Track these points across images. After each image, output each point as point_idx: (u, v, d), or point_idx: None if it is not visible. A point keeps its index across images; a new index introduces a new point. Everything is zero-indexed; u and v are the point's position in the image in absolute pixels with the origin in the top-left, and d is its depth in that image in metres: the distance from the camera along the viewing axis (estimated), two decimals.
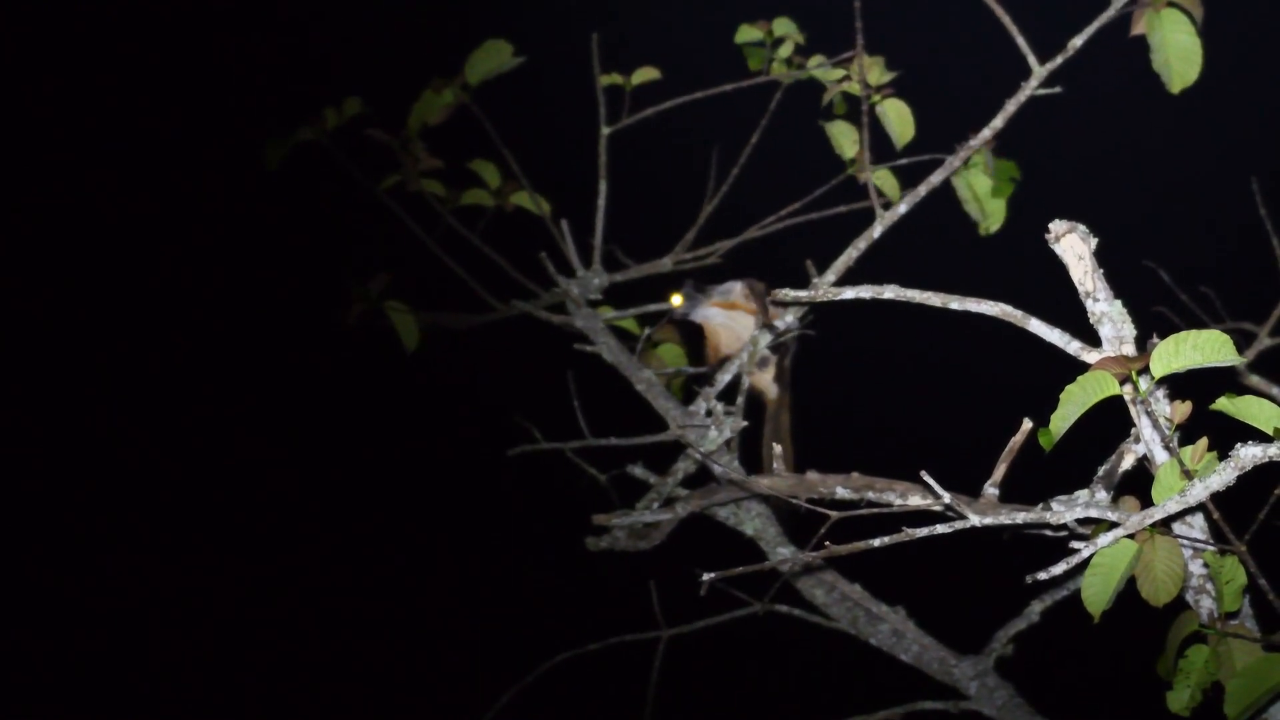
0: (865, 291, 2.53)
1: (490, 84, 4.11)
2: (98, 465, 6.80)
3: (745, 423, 3.34)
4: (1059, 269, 2.53)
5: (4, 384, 6.75)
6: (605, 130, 4.12)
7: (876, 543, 2.38)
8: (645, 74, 4.14)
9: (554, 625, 4.23)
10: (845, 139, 4.04)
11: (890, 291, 2.52)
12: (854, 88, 3.77)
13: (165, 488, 6.79)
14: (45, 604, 6.69)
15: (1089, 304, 2.48)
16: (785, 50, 4.13)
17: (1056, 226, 2.47)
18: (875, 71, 3.80)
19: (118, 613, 6.70)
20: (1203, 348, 2.19)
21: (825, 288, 2.67)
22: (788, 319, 3.55)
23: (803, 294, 2.61)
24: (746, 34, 4.15)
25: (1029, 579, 2.39)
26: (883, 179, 3.82)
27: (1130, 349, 2.47)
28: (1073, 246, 2.47)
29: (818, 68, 4.07)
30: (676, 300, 4.00)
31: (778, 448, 2.95)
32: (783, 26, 4.13)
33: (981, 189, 3.92)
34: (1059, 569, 2.42)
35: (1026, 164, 3.83)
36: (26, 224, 6.76)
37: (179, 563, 6.71)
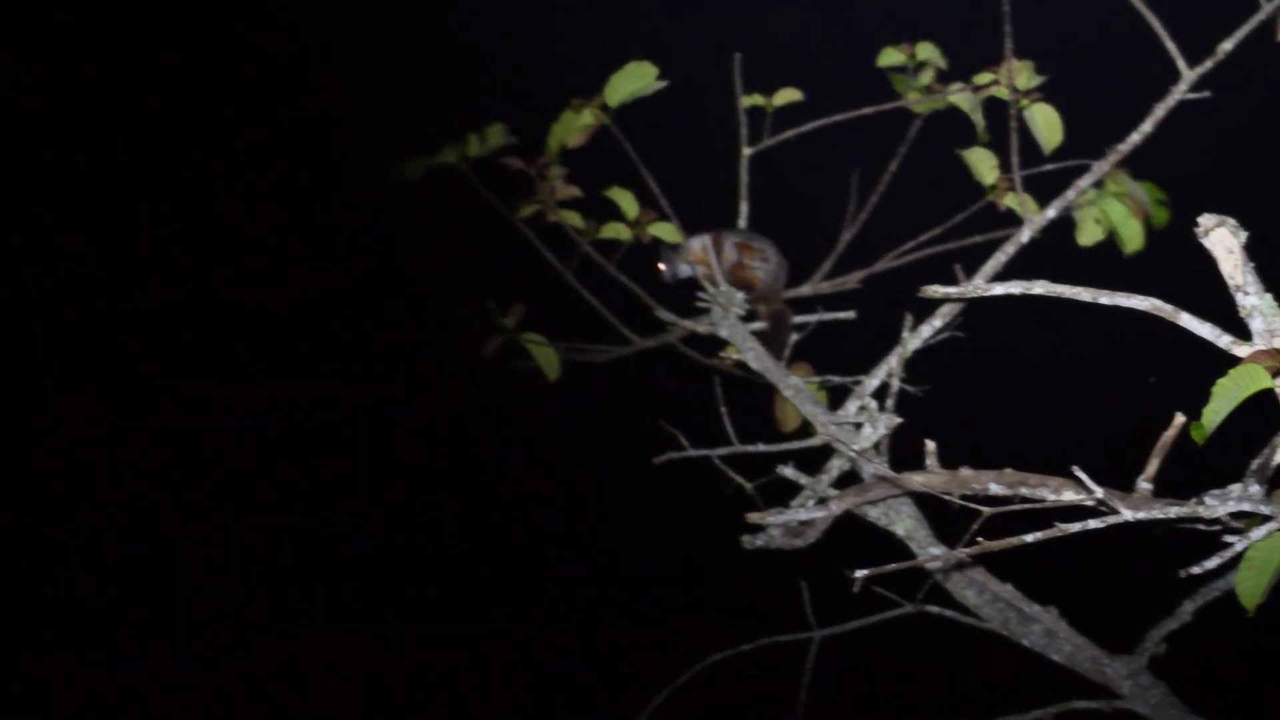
0: (1015, 287, 2.55)
1: (628, 106, 4.15)
2: (233, 484, 6.93)
3: (899, 419, 3.34)
4: (1202, 264, 2.53)
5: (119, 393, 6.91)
6: (746, 151, 4.13)
7: (1030, 538, 2.39)
8: (787, 95, 4.15)
9: (707, 626, 4.26)
10: (984, 165, 4.04)
11: (1040, 287, 2.54)
12: (1002, 92, 3.77)
13: (318, 512, 6.91)
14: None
15: (1239, 298, 2.46)
16: (926, 78, 4.12)
17: (1206, 220, 2.46)
18: (1024, 76, 3.80)
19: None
20: None
21: (975, 284, 2.69)
22: (935, 322, 3.56)
23: (953, 290, 2.63)
24: (889, 57, 4.15)
25: (1182, 573, 2.40)
26: (1024, 200, 3.80)
27: None
28: (1222, 240, 2.46)
29: (957, 91, 4.06)
30: (662, 267, 4.05)
31: (931, 444, 2.96)
32: (925, 51, 4.12)
33: (1117, 215, 3.91)
34: (1212, 563, 2.43)
35: (1166, 160, 3.81)
36: (160, 248, 6.91)
37: (348, 577, 6.83)
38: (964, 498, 2.78)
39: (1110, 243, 3.98)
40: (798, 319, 4.02)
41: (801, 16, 6.09)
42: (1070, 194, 3.58)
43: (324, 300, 6.80)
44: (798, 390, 3.63)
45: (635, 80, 4.11)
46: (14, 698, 6.46)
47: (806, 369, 4.00)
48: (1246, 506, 2.51)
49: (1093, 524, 2.39)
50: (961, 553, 2.50)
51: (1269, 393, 2.31)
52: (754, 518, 3.17)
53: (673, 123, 4.68)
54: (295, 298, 6.79)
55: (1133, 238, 3.95)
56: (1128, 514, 2.42)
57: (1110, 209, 3.91)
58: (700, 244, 3.99)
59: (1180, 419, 2.61)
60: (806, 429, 3.80)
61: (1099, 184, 3.79)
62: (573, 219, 4.17)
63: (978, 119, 4.00)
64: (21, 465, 6.68)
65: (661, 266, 4.06)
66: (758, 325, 3.98)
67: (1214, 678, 3.76)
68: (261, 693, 6.71)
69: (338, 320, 6.82)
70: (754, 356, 3.76)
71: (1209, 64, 3.38)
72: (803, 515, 3.21)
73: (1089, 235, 3.97)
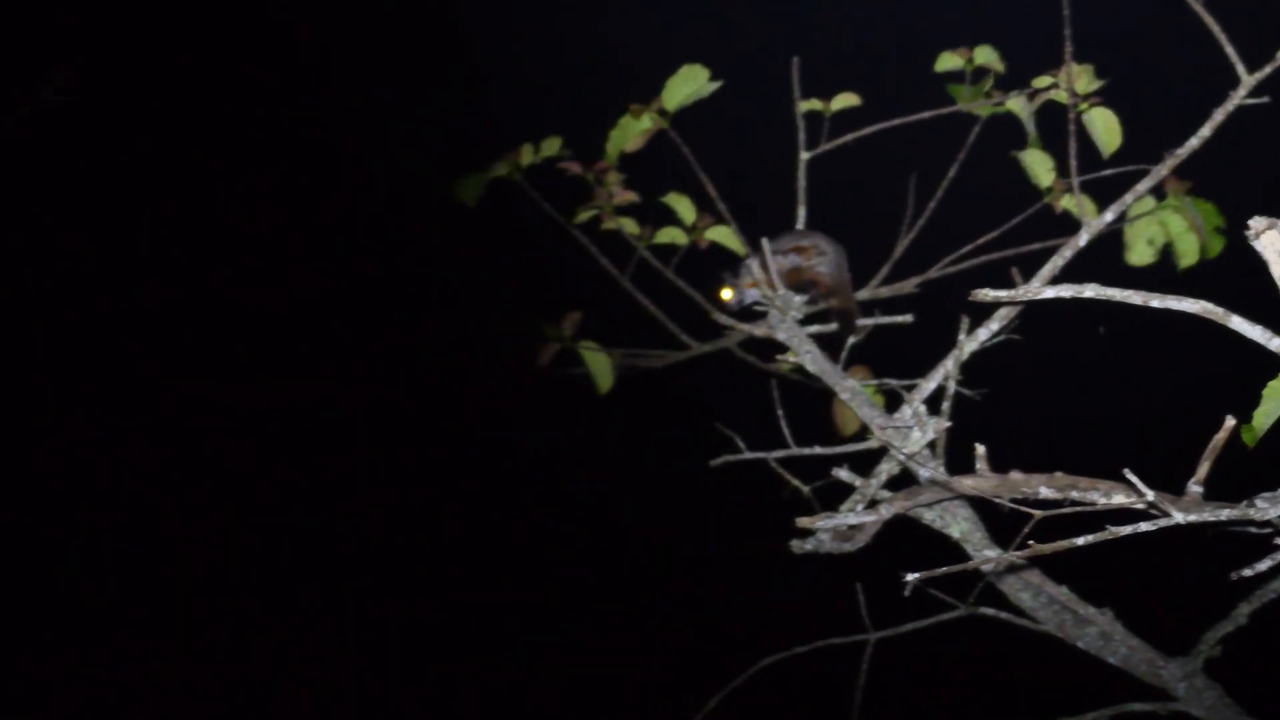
0: (1066, 290, 2.55)
1: (686, 111, 4.16)
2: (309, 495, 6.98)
3: (949, 423, 3.33)
4: (1254, 268, 2.52)
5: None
6: (804, 155, 4.13)
7: (1081, 541, 2.40)
8: (845, 99, 4.15)
9: (763, 628, 4.28)
10: (1041, 167, 4.02)
11: (1091, 290, 2.54)
12: (1061, 96, 3.75)
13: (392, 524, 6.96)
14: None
15: None
16: (986, 85, 4.11)
17: (1256, 223, 2.45)
18: (1083, 79, 3.78)
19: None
20: None
21: (1027, 288, 2.69)
22: (992, 326, 3.55)
23: (1003, 294, 2.63)
24: (947, 62, 4.14)
25: (1234, 576, 2.41)
26: (1081, 202, 3.77)
27: None
28: (1273, 243, 2.45)
29: (1014, 96, 4.05)
30: (727, 295, 4.05)
31: (981, 448, 2.96)
32: (984, 55, 4.10)
33: (1176, 229, 3.89)
34: (1264, 565, 2.43)
35: (1223, 164, 3.79)
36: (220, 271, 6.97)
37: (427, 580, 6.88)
38: (1015, 501, 2.78)
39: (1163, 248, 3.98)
40: (859, 321, 4.02)
41: (859, 20, 6.09)
42: (1129, 198, 3.56)
43: (377, 305, 6.85)
44: (854, 393, 3.62)
45: (689, 83, 4.11)
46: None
47: (864, 371, 4.00)
48: None
49: (1144, 527, 2.40)
50: (1015, 555, 2.51)
51: None
52: (803, 523, 3.14)
53: (730, 128, 4.69)
54: (351, 304, 6.83)
55: (1188, 252, 3.94)
56: (1179, 517, 2.43)
57: (1169, 221, 3.90)
58: (755, 264, 3.99)
59: (1231, 422, 2.60)
60: (865, 432, 3.81)
61: (1159, 195, 3.78)
62: (629, 225, 4.18)
63: (1030, 126, 3.99)
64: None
65: (726, 296, 4.06)
66: (816, 328, 3.99)
67: (1269, 680, 3.75)
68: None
69: (391, 325, 6.86)
70: (811, 359, 3.76)
71: (1268, 69, 3.35)
72: (851, 520, 3.19)
73: (1139, 255, 3.96)
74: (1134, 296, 2.53)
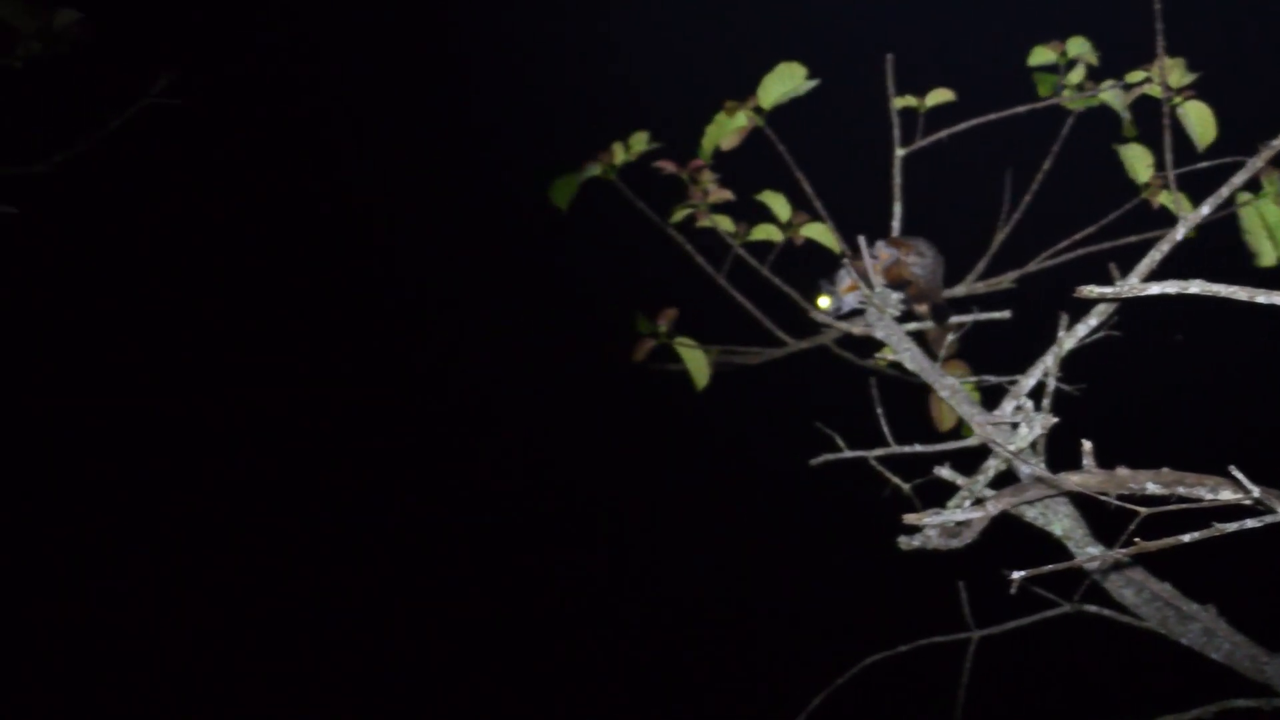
0: (1171, 287, 2.55)
1: (781, 109, 4.16)
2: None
3: (1055, 419, 3.32)
4: None
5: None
6: (899, 152, 4.12)
7: (1187, 538, 2.39)
8: (939, 96, 4.15)
9: (866, 627, 4.28)
10: (1139, 163, 4.00)
11: (1196, 286, 2.53)
12: (1155, 90, 3.73)
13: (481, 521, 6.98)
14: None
15: None
16: (1077, 75, 4.09)
17: None
18: (1176, 73, 3.75)
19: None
20: None
21: (1131, 284, 2.68)
22: (1091, 321, 3.52)
23: (1108, 290, 2.63)
24: (1040, 56, 4.13)
25: None
26: (1178, 199, 3.74)
27: None
28: None
29: (1110, 88, 4.03)
30: (825, 303, 4.04)
31: (1088, 444, 2.95)
32: (1076, 47, 4.08)
33: (1273, 218, 3.85)
34: None
35: None
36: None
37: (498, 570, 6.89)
38: (1121, 497, 2.77)
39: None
40: (953, 319, 4.01)
41: (953, 16, 6.07)
42: (1224, 191, 3.52)
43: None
44: (954, 391, 3.61)
45: (786, 81, 4.13)
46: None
47: (962, 368, 3.99)
48: None
49: (1250, 523, 2.39)
50: (1119, 553, 2.50)
51: None
52: (910, 519, 3.14)
53: (825, 125, 4.68)
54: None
55: None
56: None
57: (1267, 211, 3.86)
58: (850, 268, 4.00)
59: None
60: (963, 427, 3.79)
61: (1256, 186, 3.74)
62: (724, 223, 4.19)
63: (1127, 116, 3.96)
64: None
65: (824, 305, 4.06)
66: (914, 325, 3.98)
67: None
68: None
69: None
70: (910, 357, 3.75)
71: None
72: (959, 516, 3.17)
73: (1268, 256, 3.91)
74: (1240, 292, 2.52)
